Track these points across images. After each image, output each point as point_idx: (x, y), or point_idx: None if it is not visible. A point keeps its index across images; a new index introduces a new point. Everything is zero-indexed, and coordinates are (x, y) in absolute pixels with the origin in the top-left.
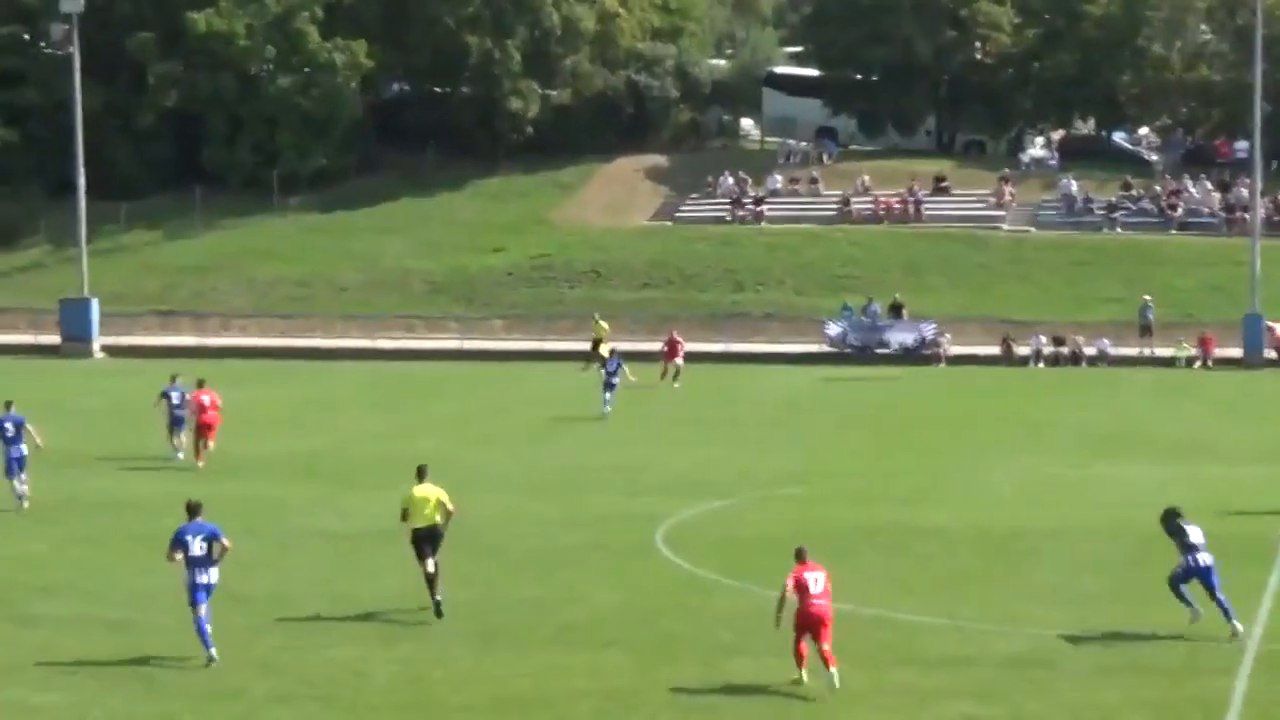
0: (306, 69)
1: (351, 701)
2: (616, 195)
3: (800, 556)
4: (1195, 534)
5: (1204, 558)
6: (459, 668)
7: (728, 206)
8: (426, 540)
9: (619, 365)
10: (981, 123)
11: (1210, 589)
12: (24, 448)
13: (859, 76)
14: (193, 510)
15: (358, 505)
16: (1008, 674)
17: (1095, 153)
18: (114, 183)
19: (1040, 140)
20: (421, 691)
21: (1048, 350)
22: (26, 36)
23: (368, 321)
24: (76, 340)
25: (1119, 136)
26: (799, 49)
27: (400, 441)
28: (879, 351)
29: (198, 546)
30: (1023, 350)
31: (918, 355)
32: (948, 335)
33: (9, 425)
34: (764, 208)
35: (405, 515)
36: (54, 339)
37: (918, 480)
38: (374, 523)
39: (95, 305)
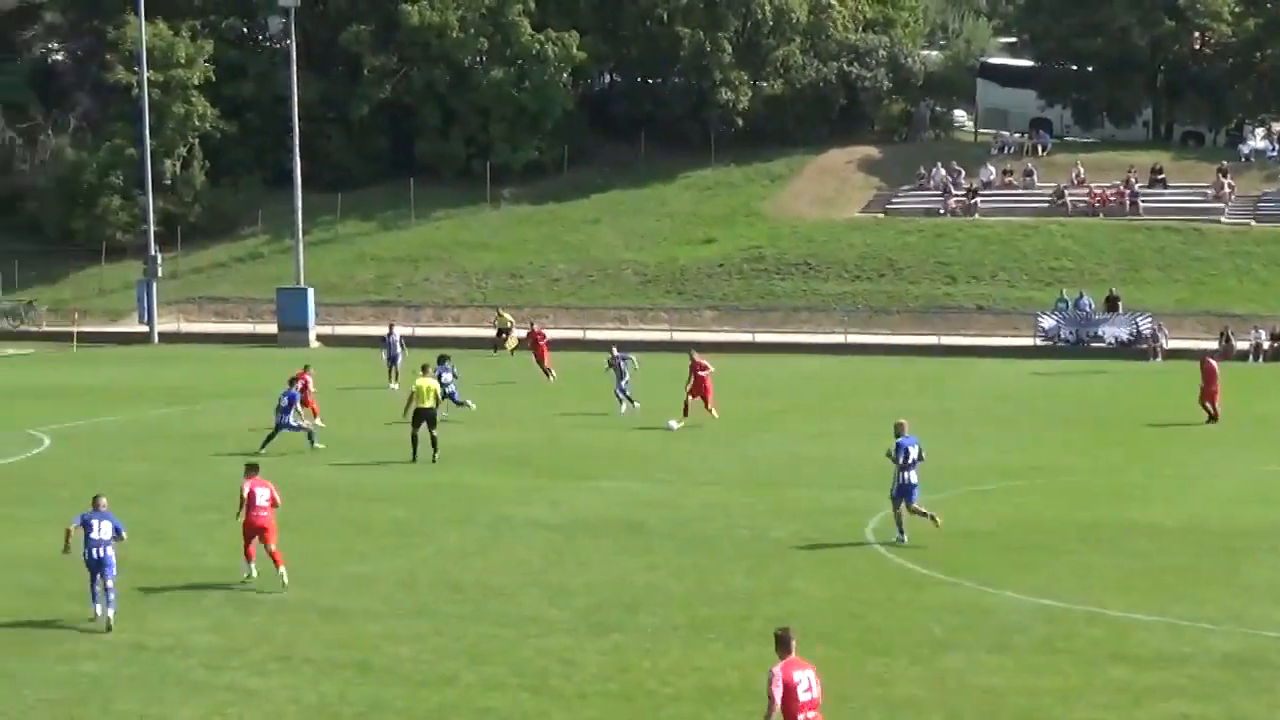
0: (519, 61)
1: (560, 690)
2: (828, 187)
3: (785, 645)
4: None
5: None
6: (668, 658)
7: (940, 198)
8: (424, 417)
9: (626, 361)
10: (1200, 114)
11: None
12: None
13: (1074, 67)
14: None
15: (568, 495)
16: (1224, 673)
17: None
18: (330, 174)
19: (1261, 131)
20: (630, 681)
21: (1267, 345)
22: (245, 30)
23: (579, 312)
24: (294, 329)
25: None
26: (1013, 39)
27: (609, 432)
28: (1093, 345)
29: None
30: (1241, 344)
31: (1132, 349)
32: (1164, 329)
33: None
34: (977, 200)
35: (411, 399)
36: (271, 328)
37: (1132, 476)
38: (584, 512)
39: (311, 295)
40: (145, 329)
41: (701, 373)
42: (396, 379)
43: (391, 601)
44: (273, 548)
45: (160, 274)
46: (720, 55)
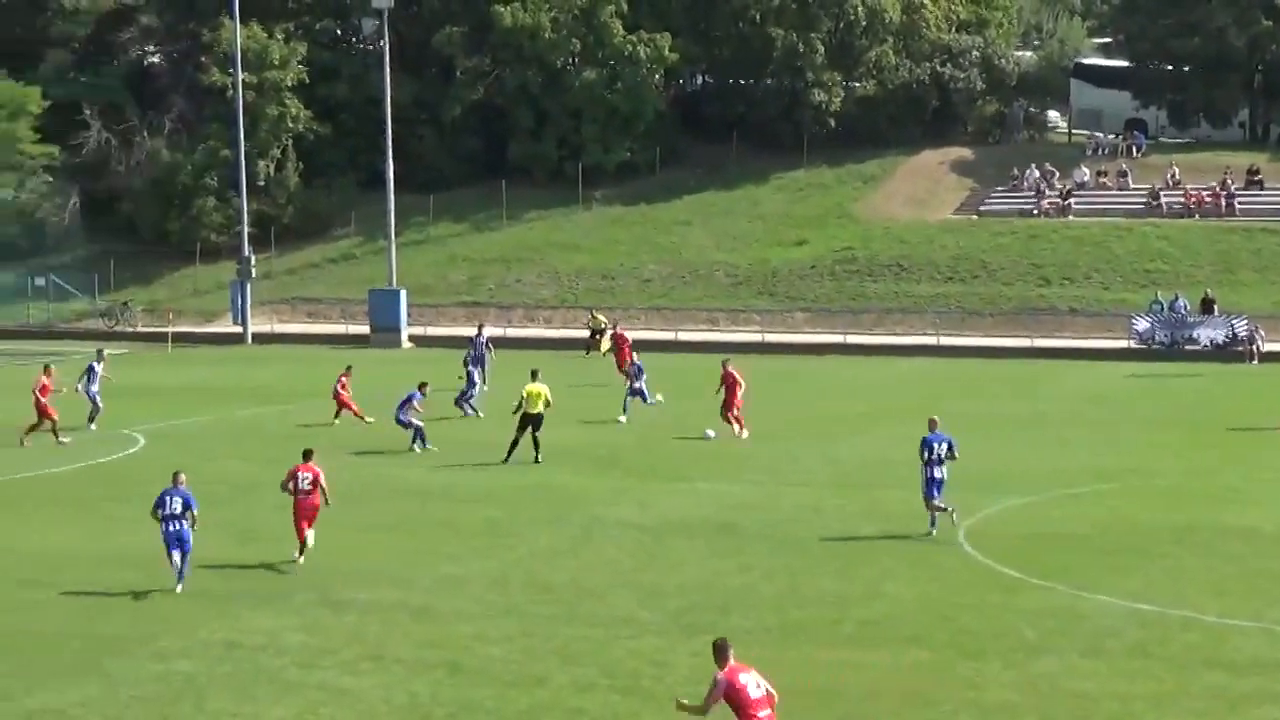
0: (611, 62)
1: (651, 692)
2: (920, 188)
3: (723, 653)
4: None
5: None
6: (759, 662)
7: (1033, 200)
8: (531, 422)
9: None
10: None
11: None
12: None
13: (1169, 67)
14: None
15: (659, 496)
16: None
17: None
18: (422, 176)
19: None
20: None
21: None
22: (339, 32)
23: (670, 314)
24: (386, 330)
25: None
26: (1108, 40)
27: (699, 434)
28: (1188, 348)
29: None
30: None
31: (1228, 352)
32: (1261, 331)
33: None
34: (1070, 201)
35: (520, 404)
36: (364, 329)
37: (1227, 479)
38: (676, 514)
39: (404, 296)
40: (239, 329)
41: (733, 384)
42: (484, 381)
43: (483, 602)
44: (308, 531)
45: (254, 275)
46: (813, 56)
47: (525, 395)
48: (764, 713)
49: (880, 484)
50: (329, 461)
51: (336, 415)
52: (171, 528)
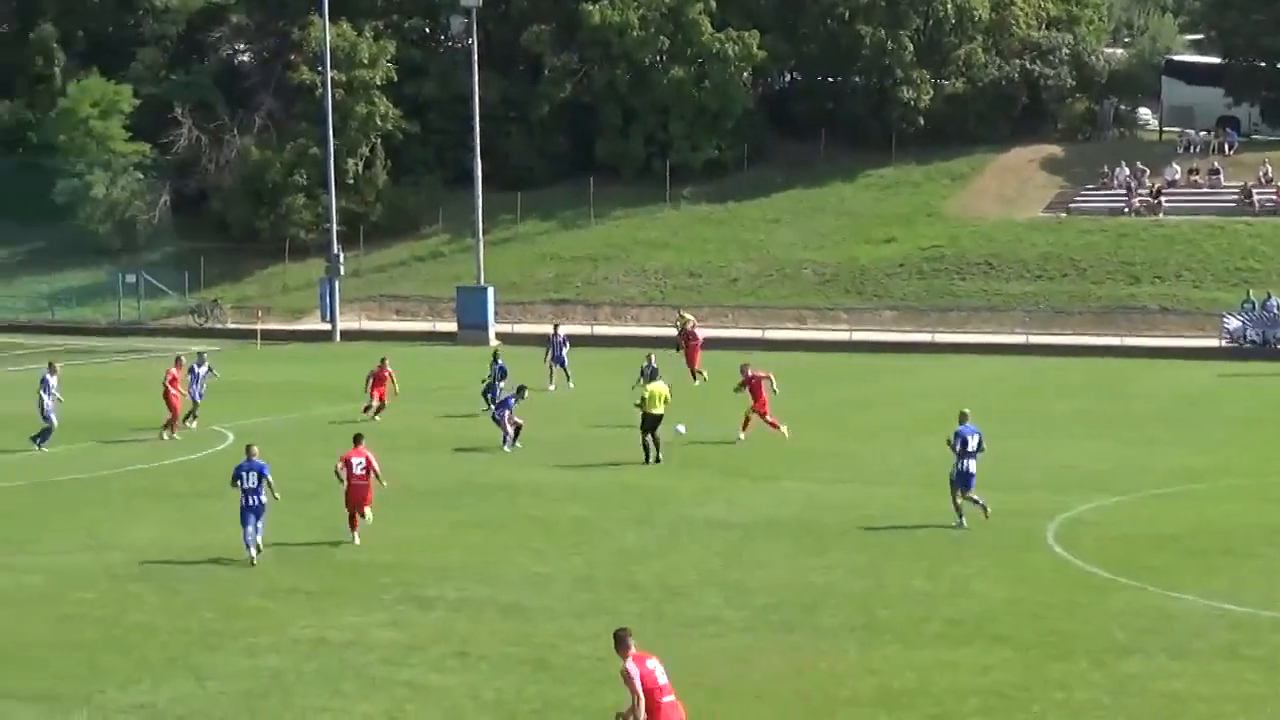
0: (699, 60)
1: (737, 690)
2: (1009, 186)
3: (623, 642)
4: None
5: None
6: (845, 660)
7: (1123, 197)
8: (656, 422)
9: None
10: None
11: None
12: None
13: (1262, 64)
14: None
15: (746, 494)
16: None
17: None
18: (510, 174)
19: None
20: (807, 682)
21: None
22: (427, 30)
23: (758, 312)
24: (473, 328)
25: None
26: (1199, 36)
27: (789, 432)
28: (1279, 347)
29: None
30: None
31: None
32: None
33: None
34: (1161, 199)
35: (643, 403)
36: (451, 326)
37: None
38: (762, 512)
39: (491, 294)
40: (327, 327)
41: (757, 384)
42: (554, 380)
43: (570, 600)
44: (365, 509)
45: (342, 272)
46: (901, 54)
47: (646, 395)
48: (669, 698)
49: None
50: (420, 459)
51: (377, 412)
52: (250, 501)
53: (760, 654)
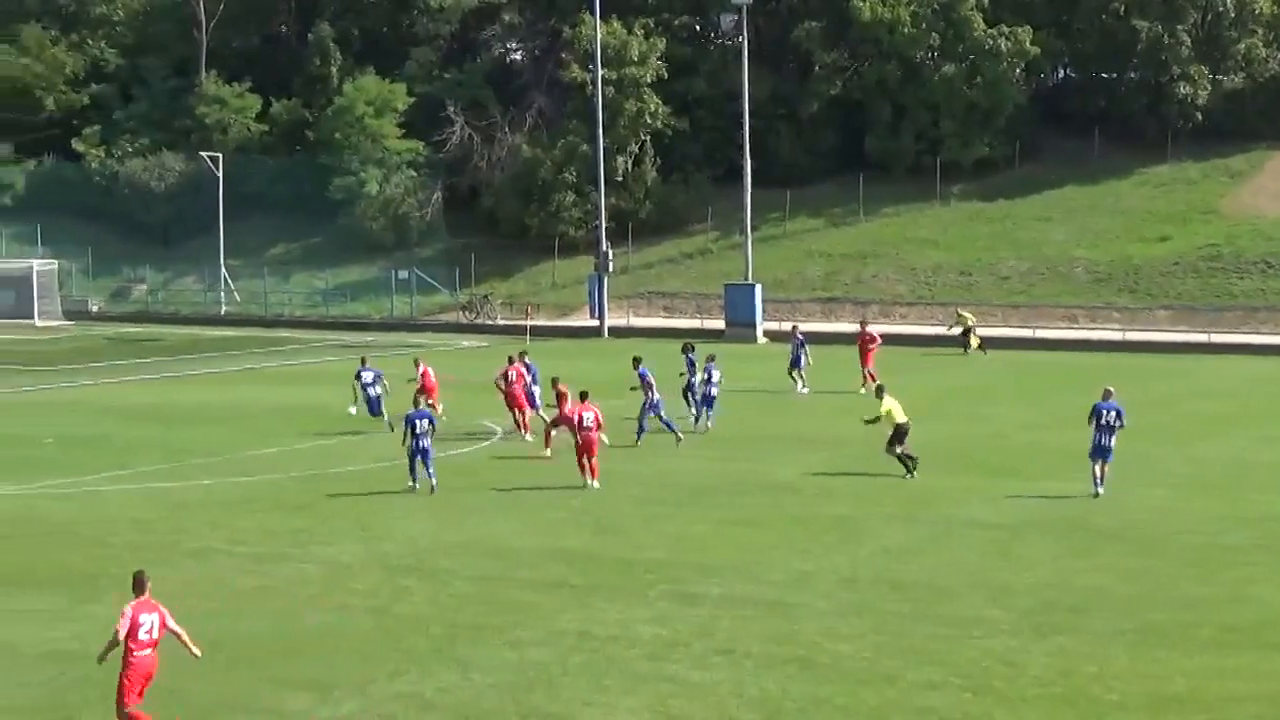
0: (971, 56)
1: (1003, 692)
2: None
3: (140, 586)
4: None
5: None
6: (1114, 664)
7: None
8: (905, 431)
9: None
10: None
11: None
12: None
13: None
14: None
15: (1010, 494)
16: None
17: None
18: (778, 171)
19: None
20: (1074, 685)
21: None
22: (697, 28)
23: (1028, 311)
24: (741, 325)
25: None
26: None
27: (1053, 432)
28: None
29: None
30: None
31: None
32: None
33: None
34: None
35: (890, 416)
36: (719, 324)
37: None
38: (1027, 513)
39: (759, 291)
40: (595, 323)
41: (870, 344)
42: (803, 383)
43: (833, 598)
44: (594, 461)
45: (611, 269)
46: (1178, 48)
47: (883, 413)
48: (144, 653)
49: (1244, 486)
50: (683, 459)
51: (519, 422)
52: (421, 444)
53: (1027, 656)
